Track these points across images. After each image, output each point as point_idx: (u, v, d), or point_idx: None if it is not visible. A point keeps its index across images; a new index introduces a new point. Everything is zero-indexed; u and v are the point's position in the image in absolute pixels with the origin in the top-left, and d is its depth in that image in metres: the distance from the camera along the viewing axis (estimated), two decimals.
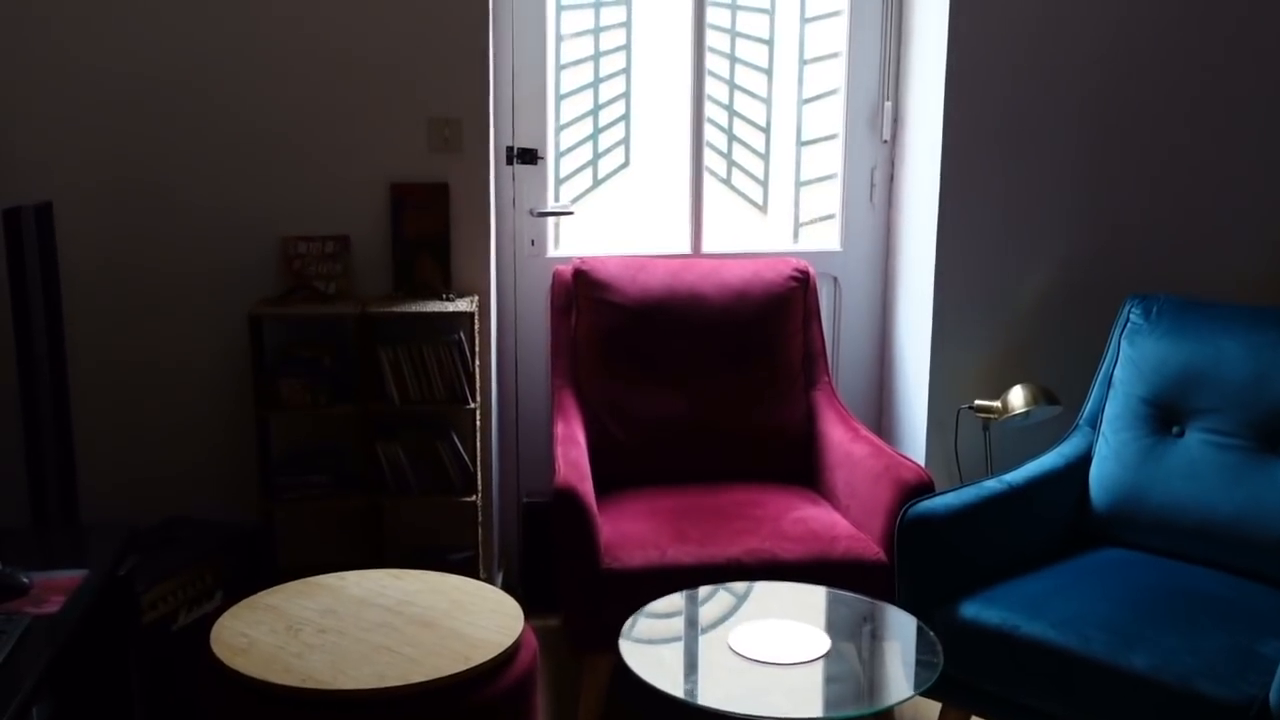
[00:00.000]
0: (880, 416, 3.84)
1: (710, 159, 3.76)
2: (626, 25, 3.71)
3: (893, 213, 3.76)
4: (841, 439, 3.29)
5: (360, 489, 3.27)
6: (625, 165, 3.77)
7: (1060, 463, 3.01)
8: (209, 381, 3.34)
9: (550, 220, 3.65)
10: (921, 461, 3.52)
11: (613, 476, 3.21)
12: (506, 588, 2.93)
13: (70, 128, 3.18)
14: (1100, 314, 3.40)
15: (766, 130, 3.83)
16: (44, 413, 2.85)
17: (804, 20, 3.76)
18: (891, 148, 3.73)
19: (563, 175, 3.68)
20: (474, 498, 3.29)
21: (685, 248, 3.75)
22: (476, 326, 3.26)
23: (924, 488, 2.90)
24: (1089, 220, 3.53)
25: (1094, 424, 3.07)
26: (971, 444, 3.53)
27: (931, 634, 2.38)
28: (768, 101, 3.81)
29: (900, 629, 2.51)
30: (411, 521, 3.42)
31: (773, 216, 3.89)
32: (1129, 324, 3.07)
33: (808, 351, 3.52)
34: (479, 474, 3.32)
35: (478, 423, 3.28)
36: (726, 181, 3.82)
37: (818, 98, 3.81)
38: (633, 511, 3.09)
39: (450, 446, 3.27)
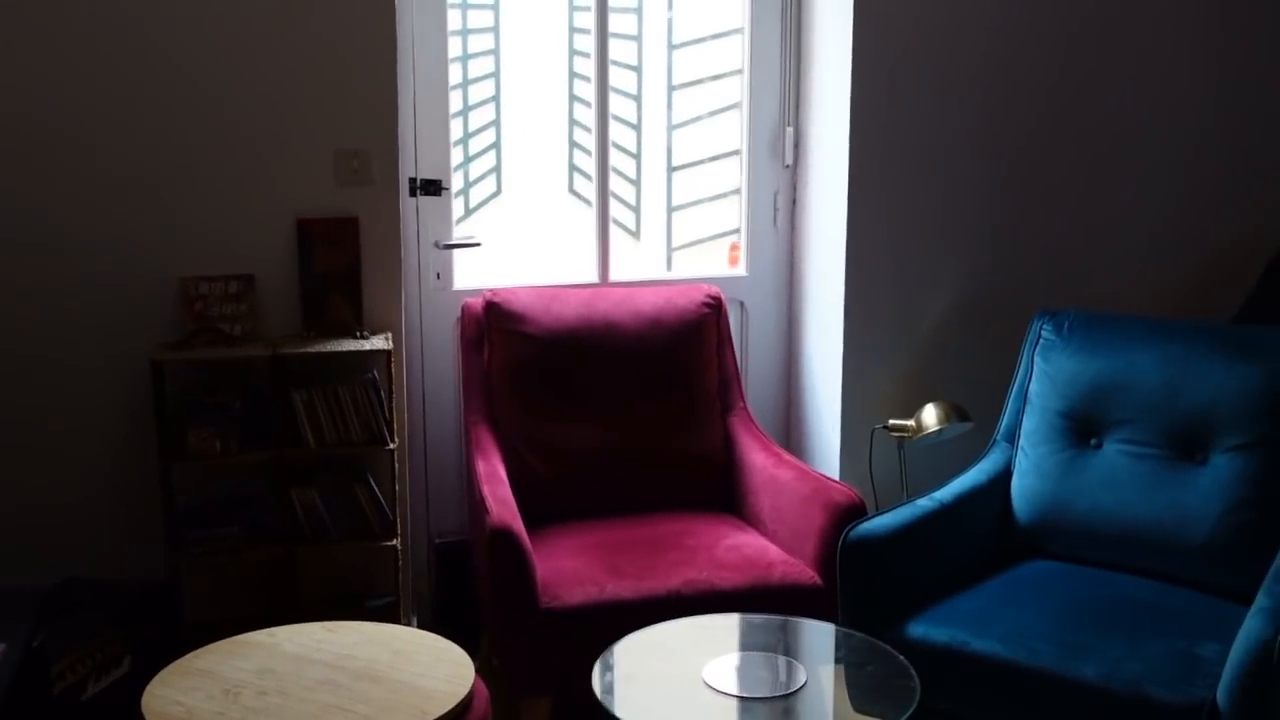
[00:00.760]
0: (789, 439, 3.86)
1: (579, 184, 3.75)
2: (495, 52, 3.67)
3: (796, 236, 3.79)
4: (764, 464, 3.29)
5: (274, 538, 3.13)
6: (497, 194, 3.74)
7: (983, 479, 3.06)
8: (107, 433, 3.15)
9: (455, 252, 3.57)
10: None
11: (535, 511, 3.14)
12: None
13: None
14: (1003, 331, 3.50)
15: (637, 156, 3.84)
16: None
17: (671, 47, 3.79)
18: (794, 172, 3.76)
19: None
20: (395, 541, 3.18)
21: (590, 276, 3.71)
22: (392, 364, 3.16)
23: (856, 510, 2.92)
24: (991, 241, 3.62)
25: (1011, 439, 3.14)
26: (883, 463, 3.57)
27: (902, 658, 2.39)
28: (638, 127, 3.82)
29: (868, 654, 2.48)
30: (324, 569, 3.28)
31: (645, 242, 3.91)
32: (1041, 340, 3.16)
33: (722, 377, 3.52)
34: (397, 516, 3.21)
35: (396, 464, 3.17)
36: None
37: (693, 121, 3.83)
38: (564, 548, 3.03)
39: (368, 489, 3.16)
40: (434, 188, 3.47)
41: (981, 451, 3.19)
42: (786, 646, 2.56)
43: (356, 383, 3.09)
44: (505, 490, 3.01)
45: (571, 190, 4.11)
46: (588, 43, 3.63)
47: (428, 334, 3.54)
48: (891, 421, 3.52)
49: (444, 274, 3.55)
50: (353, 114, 3.18)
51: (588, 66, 3.65)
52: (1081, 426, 3.00)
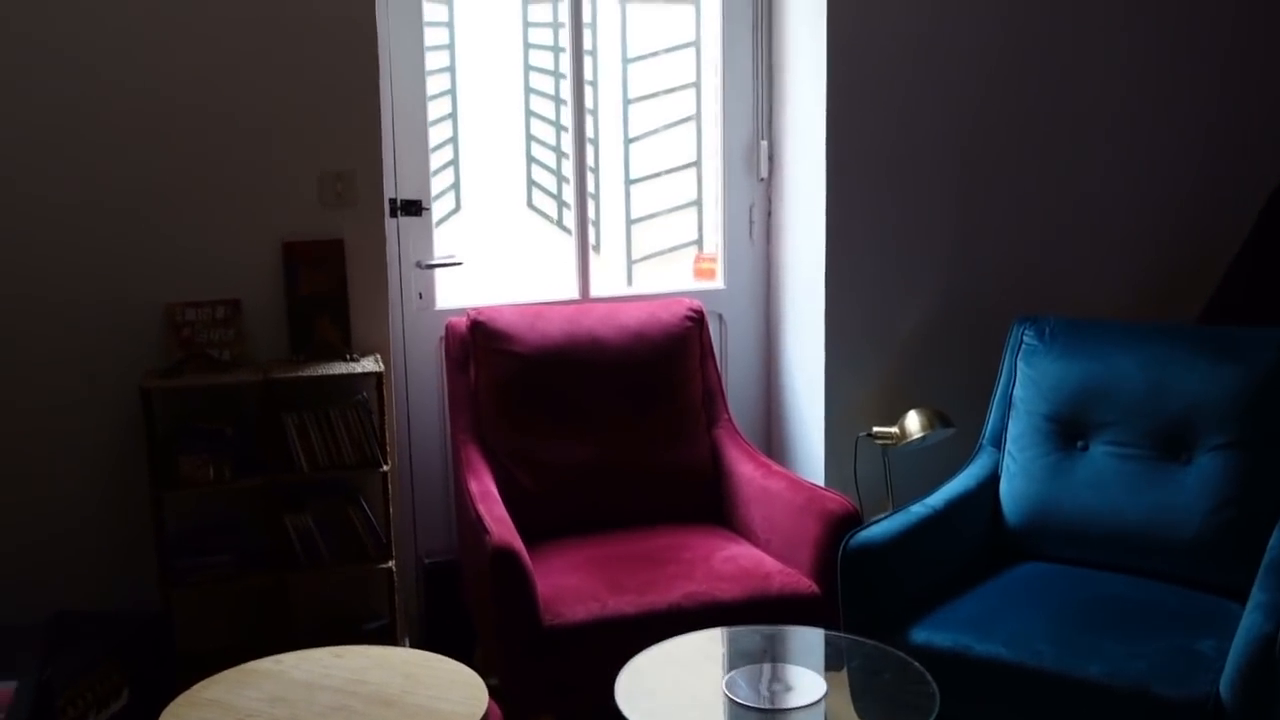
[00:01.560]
0: (771, 449, 3.89)
1: (538, 199, 3.77)
2: (450, 69, 3.68)
3: (773, 249, 3.83)
4: (753, 475, 3.32)
5: (267, 565, 3.10)
6: (456, 210, 3.75)
7: (972, 483, 3.12)
8: (95, 462, 3.09)
9: (435, 271, 3.56)
10: None
11: (528, 528, 3.13)
12: None
13: None
14: (981, 336, 3.56)
15: (595, 170, 3.88)
16: None
17: (625, 60, 3.83)
18: (769, 185, 3.80)
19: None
20: (390, 563, 3.16)
21: (570, 292, 3.72)
22: (383, 385, 3.14)
23: (852, 518, 2.96)
24: (966, 247, 3.68)
25: (997, 443, 3.20)
26: (867, 471, 3.62)
27: (916, 665, 2.42)
28: (595, 142, 3.86)
29: (880, 662, 2.51)
30: (316, 593, 3.26)
31: (605, 256, 3.95)
32: (1023, 345, 3.22)
33: (706, 390, 3.54)
34: (391, 538, 3.20)
35: (389, 485, 3.16)
36: (557, 223, 3.85)
37: (649, 134, 3.88)
38: (561, 564, 3.03)
39: (361, 512, 3.14)
40: (414, 208, 3.47)
41: (965, 457, 3.24)
42: (800, 656, 2.58)
43: (348, 405, 3.08)
44: (501, 509, 3.01)
45: (530, 205, 4.14)
46: (544, 59, 3.64)
47: (410, 353, 3.53)
48: (875, 429, 3.57)
49: (426, 294, 3.54)
50: (336, 136, 3.17)
51: (545, 82, 3.67)
52: (1067, 429, 3.06)
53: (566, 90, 3.62)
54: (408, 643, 3.43)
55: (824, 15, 3.42)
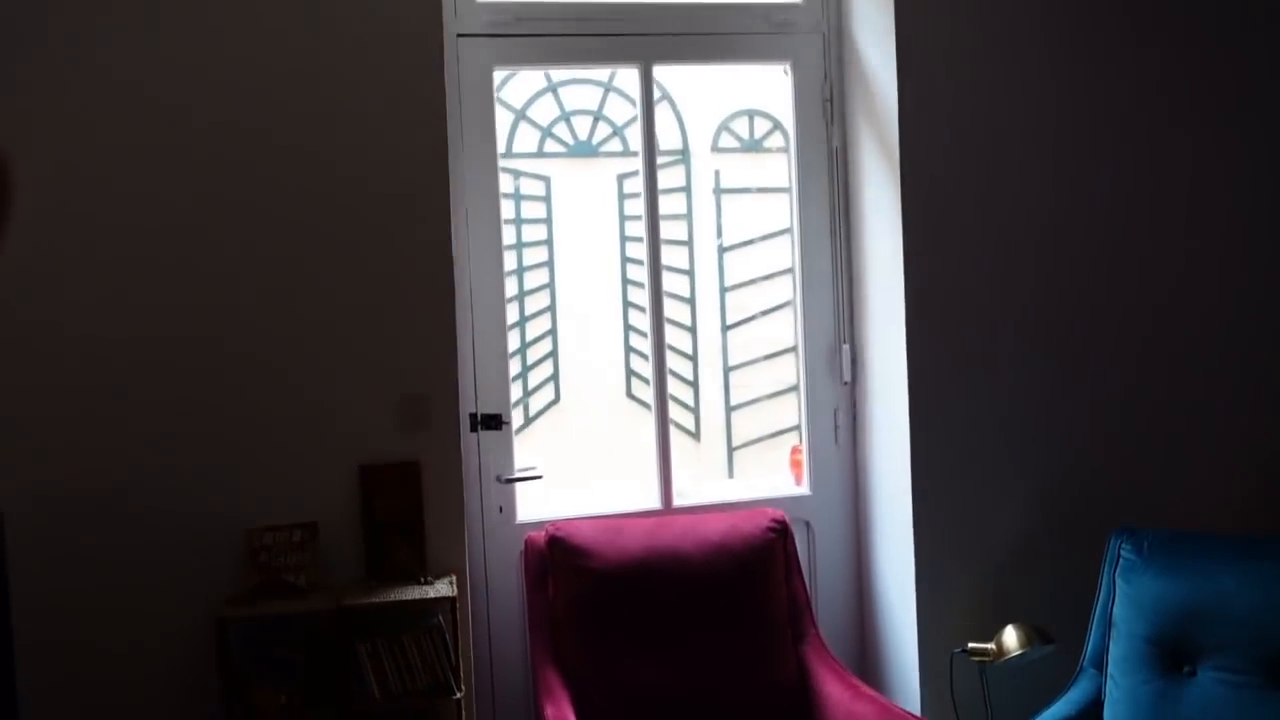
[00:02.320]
0: (864, 665, 3.74)
1: (637, 388, 3.77)
2: (549, 264, 3.76)
3: (859, 452, 3.75)
4: (841, 697, 3.17)
5: None
6: (556, 401, 3.78)
7: (1072, 710, 2.95)
8: (168, 689, 3.09)
9: (516, 484, 3.55)
10: (918, 711, 3.41)
11: None
12: None
13: (17, 432, 3.02)
14: (1082, 546, 3.40)
15: (694, 358, 3.89)
16: None
17: (721, 250, 3.88)
18: (852, 389, 3.74)
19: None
20: None
21: (653, 501, 3.67)
22: (457, 609, 3.10)
23: None
24: (1061, 452, 3.55)
25: (1098, 665, 3.02)
26: (964, 689, 3.44)
27: None
28: (693, 329, 3.89)
29: None
30: None
31: (705, 442, 3.93)
32: (1121, 560, 3.06)
33: (793, 604, 3.43)
34: None
35: (463, 712, 3.09)
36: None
37: (746, 321, 3.89)
38: None
39: None
40: (494, 422, 3.48)
41: (1067, 673, 3.07)
42: None
43: (421, 630, 3.04)
44: None
45: (630, 395, 4.14)
46: (640, 250, 3.70)
47: (491, 570, 3.50)
48: (971, 645, 3.40)
49: (506, 507, 3.53)
50: (412, 358, 3.21)
51: (641, 273, 3.72)
52: (1172, 653, 2.88)
53: (667, 279, 3.68)
54: None
55: (899, 215, 3.40)
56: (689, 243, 3.90)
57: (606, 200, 4.12)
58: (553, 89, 4.45)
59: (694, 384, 3.91)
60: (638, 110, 3.67)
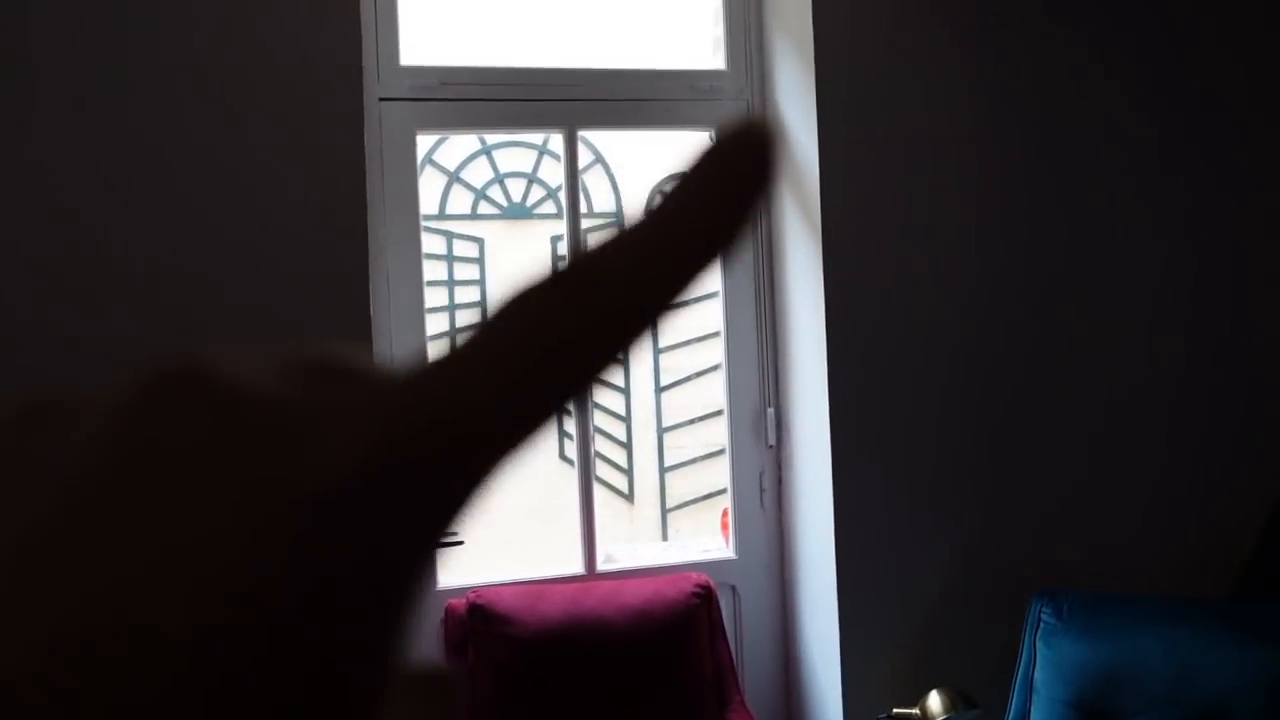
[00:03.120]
0: None
1: (570, 450, 3.76)
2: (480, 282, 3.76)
3: (784, 515, 3.74)
4: None
5: None
6: None
7: None
8: None
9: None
10: None
11: None
12: None
13: None
14: (1006, 608, 3.39)
15: (628, 419, 3.87)
16: None
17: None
18: (777, 452, 3.74)
19: None
20: None
21: (576, 566, 3.64)
22: None
23: None
24: (985, 514, 3.56)
25: None
26: None
27: None
28: (626, 390, 3.88)
29: None
30: None
31: (639, 504, 3.91)
32: (1041, 623, 3.06)
33: (717, 670, 3.40)
34: None
35: None
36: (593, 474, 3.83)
37: (680, 382, 3.89)
38: None
39: None
40: None
41: None
42: None
43: None
44: None
45: (562, 456, 4.13)
46: None
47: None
48: (896, 710, 3.37)
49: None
50: None
51: None
52: (1093, 716, 2.88)
53: None
54: None
55: (820, 280, 3.42)
56: None
57: (541, 262, 4.13)
58: (486, 152, 4.48)
59: (627, 445, 3.91)
60: (562, 175, 3.68)
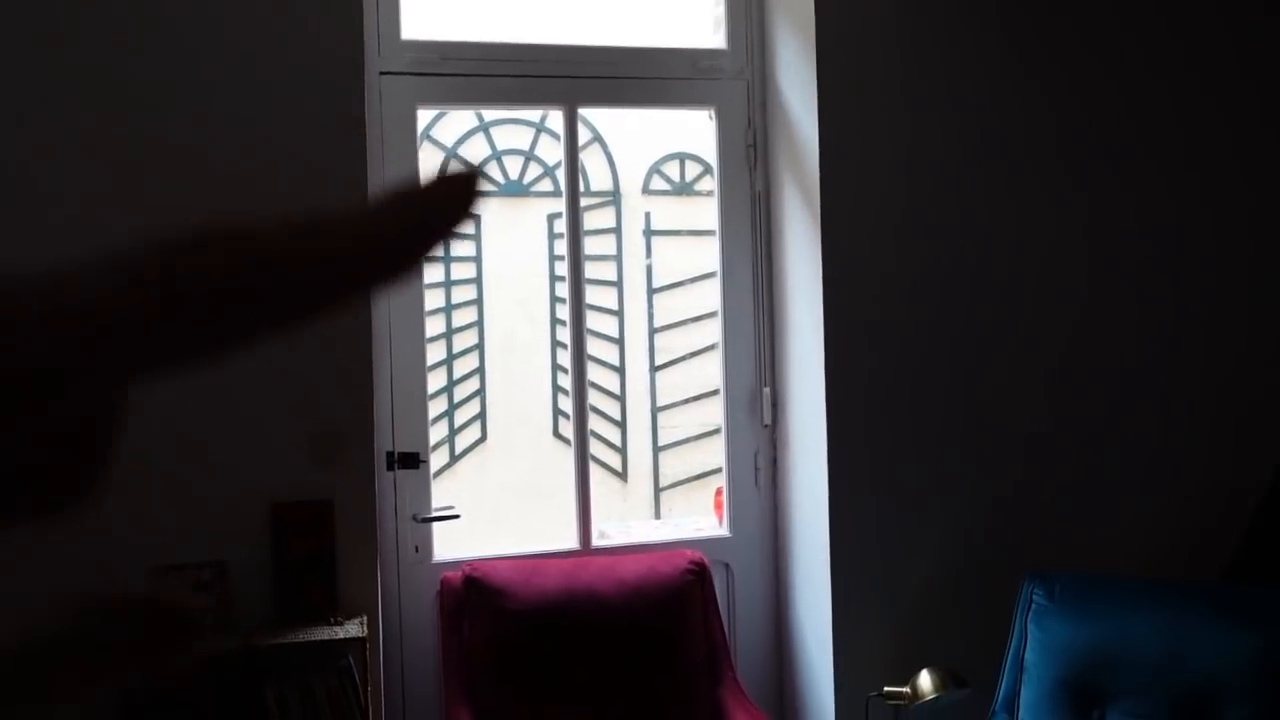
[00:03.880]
0: (781, 708, 3.73)
1: (564, 427, 3.77)
2: (478, 302, 3.76)
3: (779, 494, 3.76)
4: None
5: None
6: (483, 440, 3.77)
7: None
8: None
9: (435, 524, 3.52)
10: None
11: None
12: None
13: None
14: (999, 589, 3.42)
15: (622, 398, 3.89)
16: None
17: (651, 291, 3.89)
18: (773, 431, 3.75)
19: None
20: None
21: (571, 542, 3.65)
22: (367, 651, 3.06)
23: None
24: (979, 495, 3.58)
25: (1010, 709, 3.03)
26: None
27: None
28: (622, 369, 3.89)
29: None
30: None
31: (633, 483, 3.93)
32: (1033, 604, 3.08)
33: (710, 647, 3.42)
34: None
35: None
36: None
37: (675, 362, 3.90)
38: None
39: None
40: (412, 461, 3.45)
41: (982, 718, 3.08)
42: None
43: (330, 671, 2.99)
44: None
45: (557, 434, 4.14)
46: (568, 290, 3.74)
47: (406, 611, 3.46)
48: (886, 689, 3.39)
49: (422, 547, 3.49)
50: (327, 395, 3.18)
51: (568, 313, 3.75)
52: (1082, 696, 2.90)
53: (596, 320, 3.67)
54: None
55: (819, 260, 3.43)
56: (619, 284, 3.92)
57: (537, 240, 4.13)
58: (484, 128, 4.47)
59: (622, 424, 3.92)
60: (560, 153, 3.68)
